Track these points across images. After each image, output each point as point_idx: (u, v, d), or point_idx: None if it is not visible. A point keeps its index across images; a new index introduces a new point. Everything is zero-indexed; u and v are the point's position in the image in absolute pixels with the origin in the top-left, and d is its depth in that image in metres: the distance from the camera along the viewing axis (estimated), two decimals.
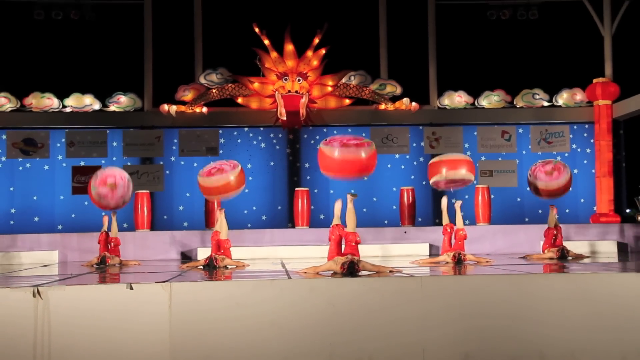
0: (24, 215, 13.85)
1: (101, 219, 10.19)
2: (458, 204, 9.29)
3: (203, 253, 10.37)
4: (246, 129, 14.47)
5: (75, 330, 5.64)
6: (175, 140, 14.31)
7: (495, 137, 14.61)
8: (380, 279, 6.23)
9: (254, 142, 14.46)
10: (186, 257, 11.06)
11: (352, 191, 7.35)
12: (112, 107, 14.15)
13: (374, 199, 14.23)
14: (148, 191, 12.43)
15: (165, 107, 13.89)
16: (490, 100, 14.52)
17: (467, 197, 12.45)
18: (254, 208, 14.25)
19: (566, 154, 14.55)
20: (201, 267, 8.69)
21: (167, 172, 14.26)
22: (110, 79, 14.30)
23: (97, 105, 14.13)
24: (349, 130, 14.19)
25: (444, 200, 9.46)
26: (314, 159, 10.34)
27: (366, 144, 7.42)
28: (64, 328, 5.63)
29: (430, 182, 9.33)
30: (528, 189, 10.27)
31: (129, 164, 14.14)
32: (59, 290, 5.74)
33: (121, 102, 14.15)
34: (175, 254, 11.15)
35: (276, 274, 7.37)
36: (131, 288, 5.73)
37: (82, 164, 14.08)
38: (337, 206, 7.37)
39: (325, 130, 14.32)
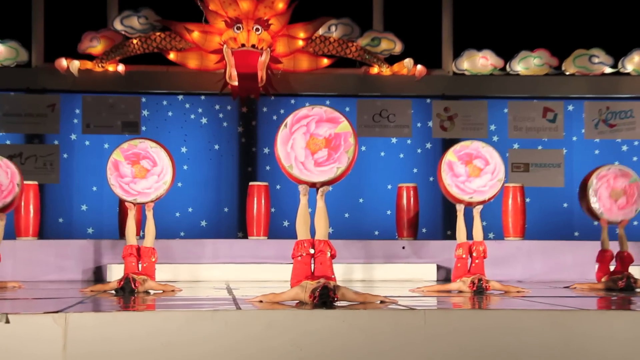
0: None
1: None
2: (477, 210, 9.30)
3: (116, 272, 10.34)
4: (180, 97, 14.49)
5: None
6: (77, 111, 14.27)
7: (535, 116, 14.76)
8: (366, 312, 6.27)
9: (192, 117, 14.47)
10: (93, 277, 11.04)
11: None
12: None
13: (360, 200, 14.31)
14: (36, 182, 12.32)
15: (64, 62, 13.83)
16: (529, 64, 14.66)
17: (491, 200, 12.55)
18: (190, 210, 14.27)
19: (635, 142, 14.73)
20: (113, 291, 8.70)
21: (65, 155, 14.22)
22: None
23: None
24: (327, 102, 14.23)
25: (460, 207, 9.37)
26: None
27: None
28: None
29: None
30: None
31: (8, 142, 14.05)
32: None
33: None
34: (74, 272, 11.12)
35: (220, 302, 7.41)
36: (7, 321, 5.70)
37: None
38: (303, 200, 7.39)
39: (293, 101, 14.34)
